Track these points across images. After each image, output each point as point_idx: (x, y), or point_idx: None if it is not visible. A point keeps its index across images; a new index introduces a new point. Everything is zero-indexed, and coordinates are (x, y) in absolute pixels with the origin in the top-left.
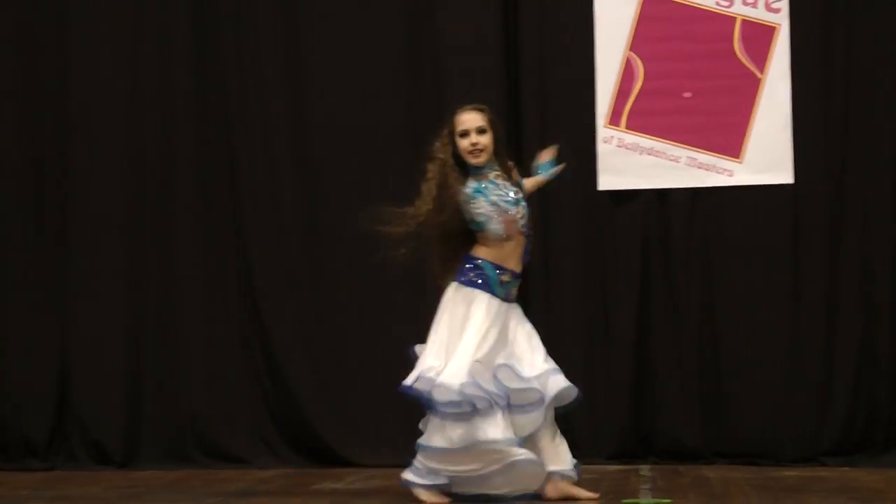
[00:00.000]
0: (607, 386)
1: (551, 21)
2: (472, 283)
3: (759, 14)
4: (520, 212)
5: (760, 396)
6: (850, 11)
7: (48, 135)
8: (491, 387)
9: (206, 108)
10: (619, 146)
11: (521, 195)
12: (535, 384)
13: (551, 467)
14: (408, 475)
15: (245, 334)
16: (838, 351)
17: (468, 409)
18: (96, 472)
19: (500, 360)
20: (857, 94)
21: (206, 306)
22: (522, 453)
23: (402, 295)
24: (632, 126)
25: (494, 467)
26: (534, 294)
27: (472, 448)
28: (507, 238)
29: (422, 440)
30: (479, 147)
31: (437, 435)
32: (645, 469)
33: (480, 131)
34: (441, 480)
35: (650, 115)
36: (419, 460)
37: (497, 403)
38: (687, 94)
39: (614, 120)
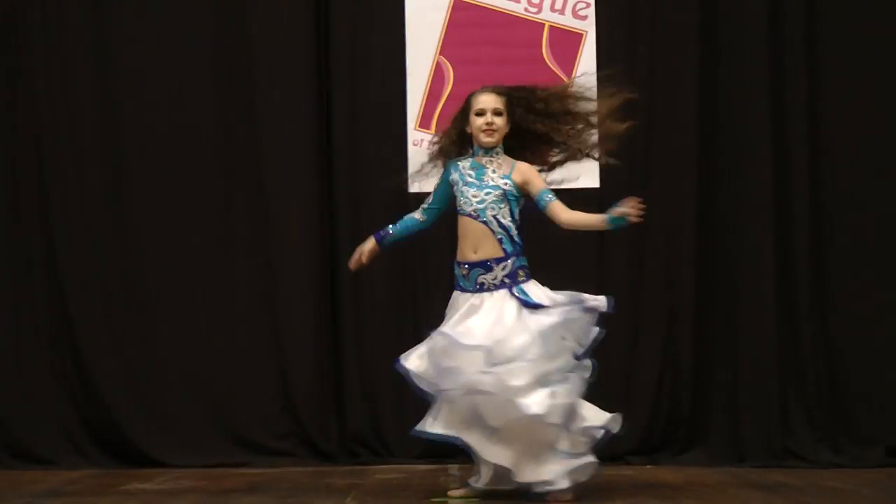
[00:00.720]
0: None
1: (362, 25)
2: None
3: (567, 21)
4: (478, 196)
5: None
6: (654, 19)
7: None
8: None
9: (14, 104)
10: (428, 149)
11: (500, 184)
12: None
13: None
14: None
15: (52, 334)
16: (642, 354)
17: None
18: None
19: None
20: (660, 100)
21: (12, 305)
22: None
23: (210, 296)
24: (441, 129)
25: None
26: (344, 295)
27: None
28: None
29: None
30: (493, 127)
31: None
32: (454, 468)
33: (497, 113)
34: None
35: None
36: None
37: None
38: None
39: (424, 123)
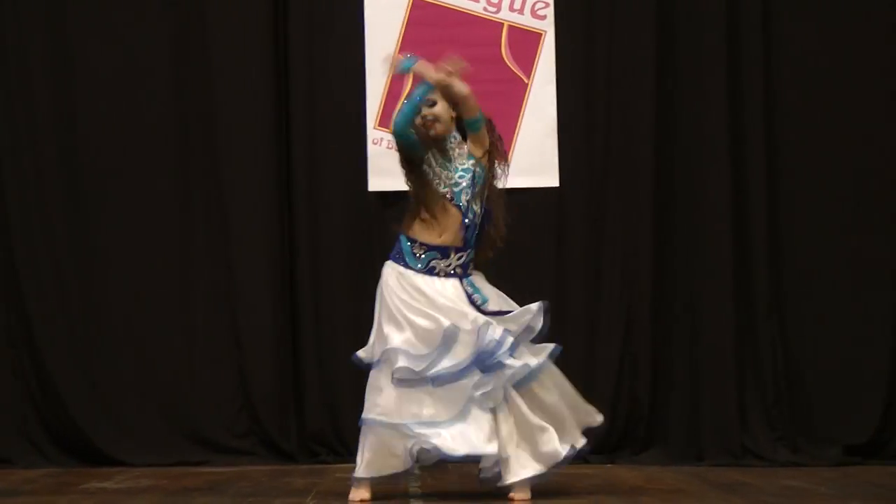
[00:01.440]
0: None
1: (321, 24)
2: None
3: (526, 20)
4: (451, 178)
5: None
6: (612, 20)
7: None
8: None
9: None
10: (388, 147)
11: (468, 166)
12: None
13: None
14: None
15: (10, 331)
16: (600, 352)
17: None
18: None
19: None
20: (618, 99)
21: None
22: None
23: (169, 296)
24: None
25: None
26: (303, 295)
27: None
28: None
29: None
30: (429, 119)
31: None
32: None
33: (430, 104)
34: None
35: None
36: None
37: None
38: None
39: (383, 122)
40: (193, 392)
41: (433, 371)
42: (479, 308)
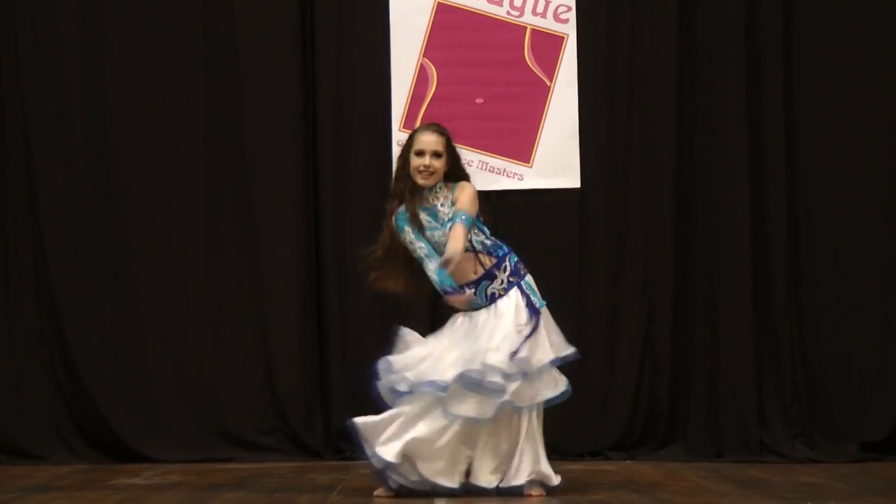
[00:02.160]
0: None
1: (347, 28)
2: None
3: (548, 24)
4: (445, 234)
5: None
6: (633, 23)
7: None
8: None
9: (2, 105)
10: None
11: (448, 215)
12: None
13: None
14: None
15: (41, 330)
16: (621, 350)
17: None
18: None
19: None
20: (639, 102)
21: (1, 302)
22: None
23: (197, 294)
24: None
25: None
26: (329, 293)
27: None
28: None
29: None
30: (430, 170)
31: None
32: None
33: (436, 155)
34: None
35: (443, 119)
36: None
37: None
38: (479, 100)
39: (409, 124)
40: (221, 390)
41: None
42: (532, 312)
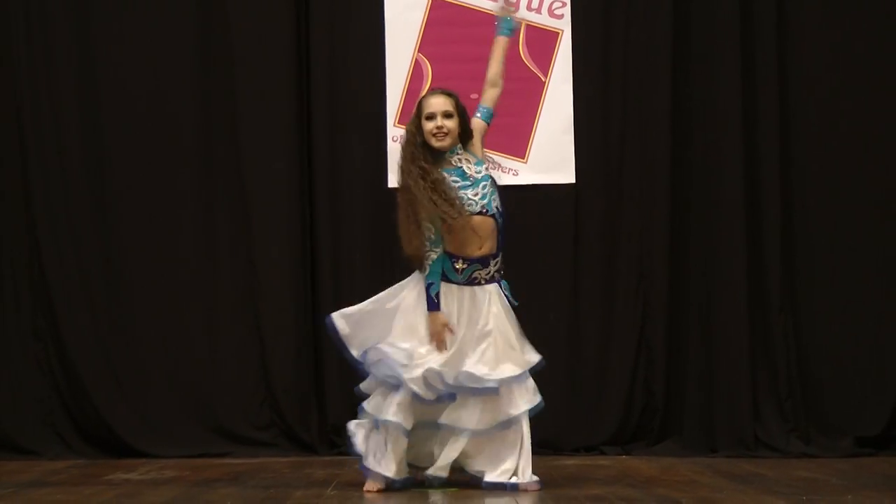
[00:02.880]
0: None
1: (342, 23)
2: None
3: (543, 20)
4: (478, 193)
5: (542, 388)
6: (628, 19)
7: None
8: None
9: None
10: None
11: (481, 174)
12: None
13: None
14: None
15: (36, 325)
16: (616, 345)
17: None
18: None
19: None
20: (634, 97)
21: None
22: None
23: (192, 290)
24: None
25: None
26: (325, 291)
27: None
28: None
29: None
30: (443, 130)
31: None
32: None
33: (447, 115)
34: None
35: None
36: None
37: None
38: (474, 96)
39: (403, 120)
40: (216, 385)
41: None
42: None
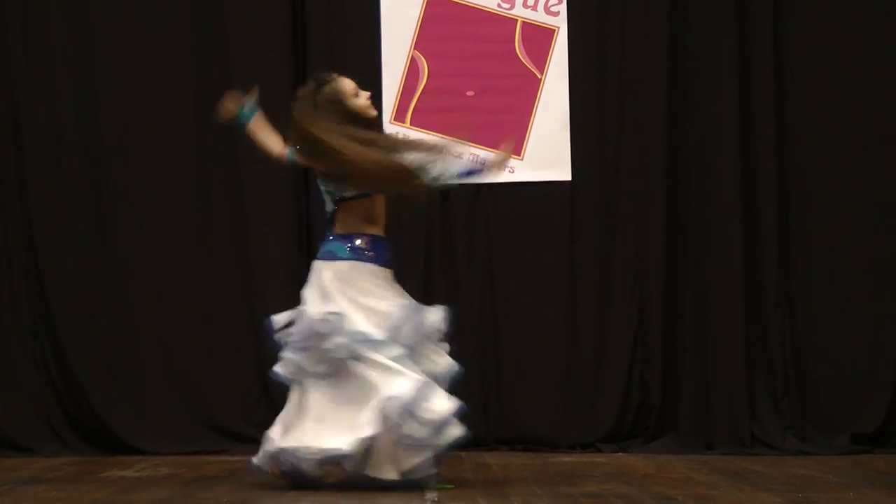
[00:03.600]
0: None
1: (338, 20)
2: None
3: (539, 17)
4: None
5: (539, 386)
6: (625, 16)
7: None
8: None
9: None
10: None
11: None
12: None
13: None
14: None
15: (32, 323)
16: (612, 343)
17: None
18: None
19: None
20: (630, 94)
21: None
22: None
23: (188, 286)
24: (416, 123)
25: None
26: None
27: None
28: None
29: None
30: (370, 100)
31: None
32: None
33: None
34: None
35: (434, 112)
36: None
37: None
38: (470, 93)
39: (399, 116)
40: (213, 382)
41: None
42: None
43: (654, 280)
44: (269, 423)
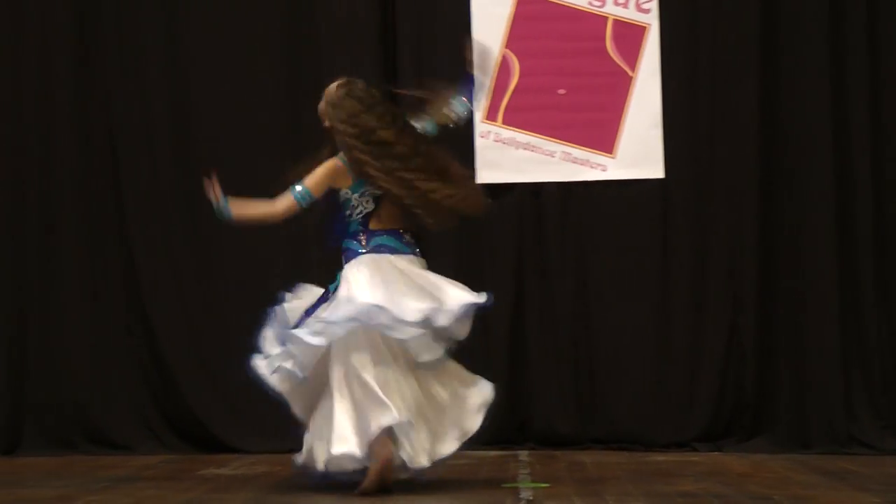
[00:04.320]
0: (486, 375)
1: (428, 19)
2: None
3: (630, 14)
4: None
5: (633, 384)
6: (716, 11)
7: None
8: None
9: (87, 100)
10: (495, 141)
11: None
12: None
13: None
14: None
15: (129, 322)
16: (706, 341)
17: None
18: None
19: None
20: (722, 91)
21: (90, 294)
22: None
23: (284, 280)
24: (508, 121)
25: None
26: None
27: None
28: None
29: None
30: None
31: None
32: (523, 454)
33: None
34: None
35: (526, 110)
36: None
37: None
38: (561, 91)
39: (491, 115)
40: None
41: None
42: None
43: (748, 278)
44: None
